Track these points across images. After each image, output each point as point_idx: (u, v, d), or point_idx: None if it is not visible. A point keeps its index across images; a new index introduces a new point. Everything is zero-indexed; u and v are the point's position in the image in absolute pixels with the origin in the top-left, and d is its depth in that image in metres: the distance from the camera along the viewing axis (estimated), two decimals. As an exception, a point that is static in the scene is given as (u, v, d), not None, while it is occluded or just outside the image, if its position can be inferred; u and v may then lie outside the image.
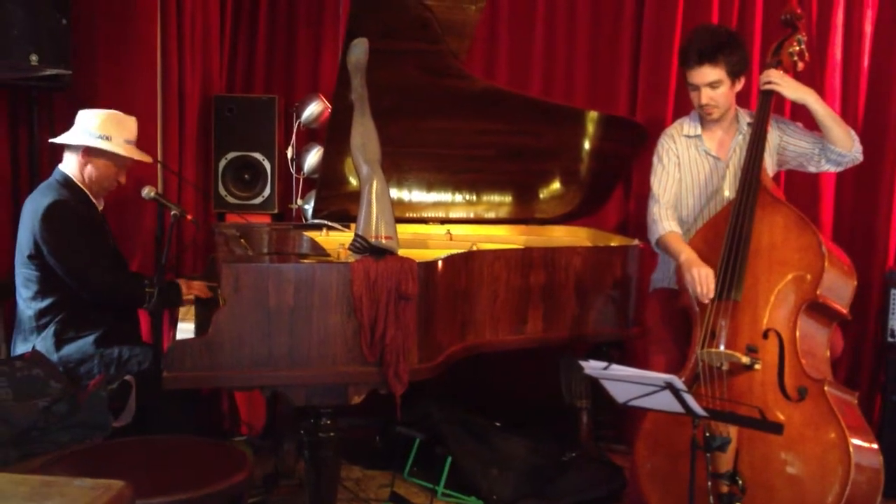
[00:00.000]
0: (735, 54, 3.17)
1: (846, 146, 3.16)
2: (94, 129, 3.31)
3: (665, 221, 3.25)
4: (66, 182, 3.30)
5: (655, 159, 3.39)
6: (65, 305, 3.21)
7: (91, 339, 3.19)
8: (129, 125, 3.38)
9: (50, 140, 3.44)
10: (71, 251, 3.18)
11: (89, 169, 3.33)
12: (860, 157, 3.22)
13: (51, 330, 3.18)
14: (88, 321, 3.23)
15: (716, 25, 3.89)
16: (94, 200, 3.36)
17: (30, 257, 3.18)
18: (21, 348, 3.21)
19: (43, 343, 3.16)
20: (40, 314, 3.20)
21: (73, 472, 2.13)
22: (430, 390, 3.81)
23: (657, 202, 3.31)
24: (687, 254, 3.04)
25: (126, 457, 2.41)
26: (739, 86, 3.25)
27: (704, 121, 3.33)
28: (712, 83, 3.18)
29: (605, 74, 4.35)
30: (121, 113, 3.39)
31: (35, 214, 3.18)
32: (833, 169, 3.29)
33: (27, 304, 3.22)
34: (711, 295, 2.90)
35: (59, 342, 3.16)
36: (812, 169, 3.30)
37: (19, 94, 3.76)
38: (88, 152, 3.32)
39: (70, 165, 3.33)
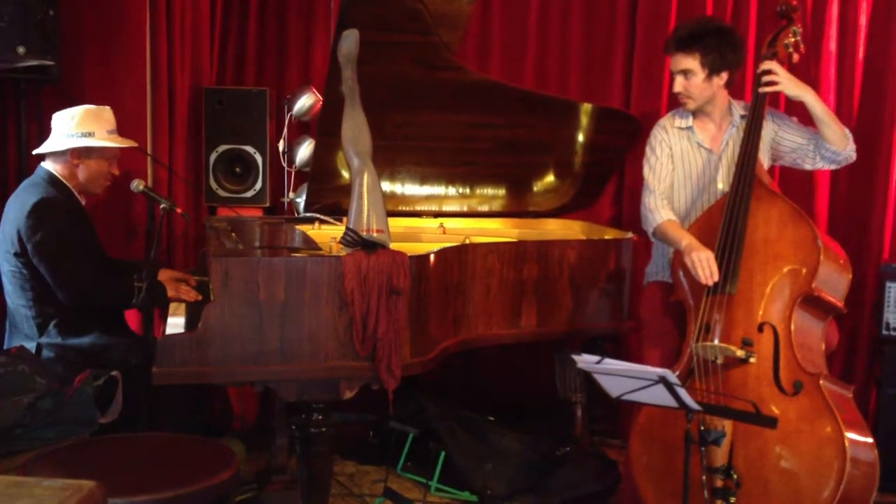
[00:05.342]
0: (715, 48, 3.14)
1: (841, 145, 3.14)
2: (74, 128, 3.24)
3: (661, 210, 3.23)
4: (52, 179, 3.24)
5: (648, 150, 3.37)
6: (64, 305, 3.16)
7: (96, 333, 3.16)
8: (106, 115, 3.32)
9: (34, 152, 3.37)
10: (56, 251, 3.11)
11: (81, 170, 3.27)
12: (854, 156, 3.22)
13: (53, 330, 3.14)
14: (89, 317, 3.19)
15: (708, 17, 3.88)
16: (78, 198, 3.31)
17: (15, 255, 3.13)
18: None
19: (49, 340, 3.13)
20: (38, 314, 3.15)
21: (56, 469, 2.11)
22: (423, 385, 3.80)
23: (652, 193, 3.28)
24: (688, 239, 3.00)
25: (111, 454, 2.37)
26: (720, 81, 3.20)
27: (696, 113, 3.30)
28: (684, 71, 3.17)
29: (598, 68, 4.32)
30: (93, 106, 3.33)
31: (21, 211, 3.12)
32: (827, 167, 3.28)
33: (25, 305, 3.16)
34: (716, 278, 2.87)
35: (66, 339, 3.14)
36: (807, 166, 3.28)
37: (7, 87, 3.73)
38: (76, 154, 3.25)
39: (55, 166, 3.27)
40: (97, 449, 2.43)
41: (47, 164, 3.28)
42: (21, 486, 1.26)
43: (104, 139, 3.26)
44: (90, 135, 3.24)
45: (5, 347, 3.22)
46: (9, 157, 3.78)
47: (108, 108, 3.36)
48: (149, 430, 2.83)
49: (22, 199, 3.17)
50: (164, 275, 3.33)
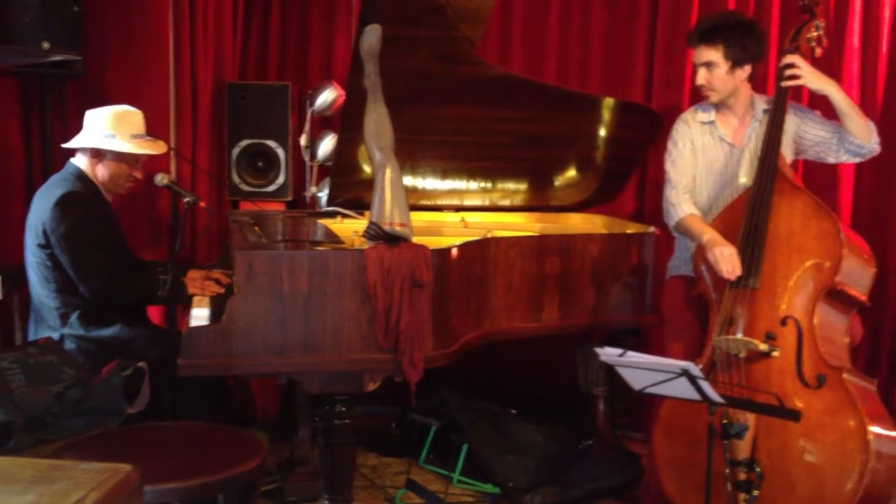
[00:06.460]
0: (738, 40, 3.14)
1: (865, 137, 3.12)
2: (99, 128, 3.27)
3: (684, 204, 3.22)
4: (80, 175, 3.28)
5: (670, 144, 3.36)
6: (86, 297, 3.20)
7: (119, 325, 3.19)
8: (134, 119, 3.32)
9: (62, 145, 3.40)
10: (79, 244, 3.14)
11: (100, 169, 3.30)
12: (878, 149, 3.19)
13: (76, 322, 3.17)
14: (113, 309, 3.22)
15: (730, 10, 3.86)
16: (105, 195, 3.34)
17: (40, 246, 3.17)
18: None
19: (71, 331, 3.16)
20: (62, 305, 3.18)
21: (85, 457, 2.12)
22: (445, 378, 3.81)
23: (674, 187, 3.28)
24: (710, 234, 3.00)
25: (139, 442, 2.40)
26: (743, 74, 3.20)
27: (718, 106, 3.29)
28: (707, 63, 3.17)
29: (620, 63, 4.31)
30: (126, 108, 3.34)
31: (47, 204, 3.16)
32: (852, 160, 3.25)
33: (49, 296, 3.20)
34: (739, 272, 2.86)
35: (89, 330, 3.16)
36: (831, 160, 3.26)
37: (31, 83, 3.76)
38: (96, 153, 3.28)
39: (82, 162, 3.31)
40: (126, 437, 2.46)
41: (77, 160, 3.32)
42: (60, 469, 1.28)
43: (124, 142, 3.26)
44: (111, 137, 3.25)
45: (32, 339, 3.26)
46: (34, 152, 3.81)
47: (139, 112, 3.35)
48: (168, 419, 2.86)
49: (50, 192, 3.20)
50: (193, 274, 3.32)
